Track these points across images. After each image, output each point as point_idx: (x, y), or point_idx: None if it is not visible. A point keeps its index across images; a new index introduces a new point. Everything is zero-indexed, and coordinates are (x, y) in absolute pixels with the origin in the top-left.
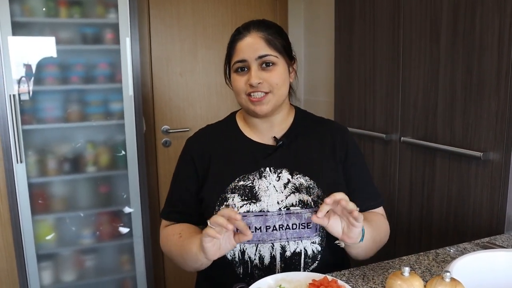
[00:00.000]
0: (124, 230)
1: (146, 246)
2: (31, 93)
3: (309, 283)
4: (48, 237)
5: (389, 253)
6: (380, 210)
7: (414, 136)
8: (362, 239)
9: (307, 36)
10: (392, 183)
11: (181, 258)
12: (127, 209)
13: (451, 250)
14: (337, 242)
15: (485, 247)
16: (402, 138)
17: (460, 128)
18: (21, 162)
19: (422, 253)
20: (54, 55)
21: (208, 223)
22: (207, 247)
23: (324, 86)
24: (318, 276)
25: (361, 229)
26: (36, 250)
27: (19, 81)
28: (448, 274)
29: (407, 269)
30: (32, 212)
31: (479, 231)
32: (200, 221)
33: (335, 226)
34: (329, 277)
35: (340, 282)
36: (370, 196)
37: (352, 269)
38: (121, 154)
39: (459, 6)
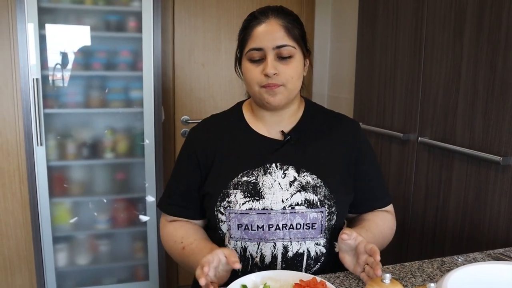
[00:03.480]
0: (144, 218)
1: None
2: (54, 77)
3: (295, 283)
4: (72, 221)
5: (401, 255)
6: (389, 207)
7: (432, 137)
8: None
9: (334, 31)
10: (408, 184)
11: (182, 265)
12: (149, 198)
13: (459, 259)
14: (335, 246)
15: (497, 258)
16: (419, 138)
17: (480, 130)
18: (41, 145)
19: (427, 260)
20: (78, 41)
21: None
22: None
23: (347, 83)
24: (307, 276)
25: None
26: (52, 232)
27: (42, 66)
28: (432, 285)
29: (388, 275)
30: (50, 194)
31: (495, 240)
32: (199, 215)
33: (348, 258)
34: (318, 279)
35: (328, 284)
36: (378, 197)
37: (347, 271)
38: (139, 142)
39: (486, 1)
